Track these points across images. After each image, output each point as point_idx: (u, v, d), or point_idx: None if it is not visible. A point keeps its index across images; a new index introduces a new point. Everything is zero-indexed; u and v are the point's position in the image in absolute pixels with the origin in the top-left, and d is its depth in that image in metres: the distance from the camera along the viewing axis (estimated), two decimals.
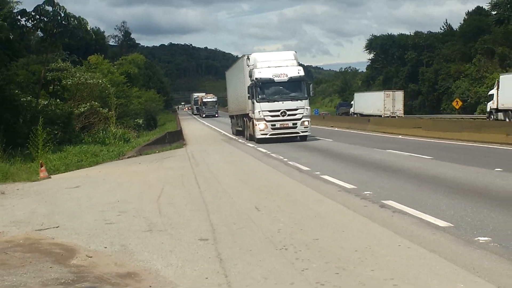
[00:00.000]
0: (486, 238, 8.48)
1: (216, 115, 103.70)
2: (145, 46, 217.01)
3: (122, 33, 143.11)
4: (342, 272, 7.19)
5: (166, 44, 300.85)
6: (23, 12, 35.65)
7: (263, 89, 31.39)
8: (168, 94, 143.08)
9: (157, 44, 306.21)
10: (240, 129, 40.06)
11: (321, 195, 13.44)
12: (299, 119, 31.41)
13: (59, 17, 35.52)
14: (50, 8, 35.18)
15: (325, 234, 9.36)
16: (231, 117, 46.85)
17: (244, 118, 36.42)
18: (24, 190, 16.41)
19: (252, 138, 33.76)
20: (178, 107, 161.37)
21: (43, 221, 11.30)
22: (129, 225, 10.71)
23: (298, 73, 31.79)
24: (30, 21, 36.05)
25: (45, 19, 35.51)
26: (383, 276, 6.99)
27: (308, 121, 31.94)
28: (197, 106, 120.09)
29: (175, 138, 37.13)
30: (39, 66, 39.60)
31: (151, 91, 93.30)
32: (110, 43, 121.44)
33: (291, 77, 31.27)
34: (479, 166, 17.36)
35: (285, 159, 22.13)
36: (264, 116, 31.00)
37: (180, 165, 22.09)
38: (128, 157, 27.84)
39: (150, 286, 6.94)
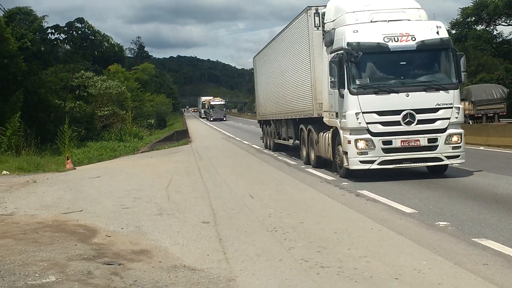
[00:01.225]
0: (445, 223, 8.50)
1: (224, 119, 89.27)
2: (157, 57, 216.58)
3: (137, 46, 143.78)
4: (323, 251, 7.21)
5: (175, 56, 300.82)
6: (56, 27, 35.97)
7: (365, 66, 13.75)
8: (176, 98, 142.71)
9: (167, 56, 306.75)
10: (284, 142, 22.06)
11: (306, 185, 13.48)
12: (442, 131, 13.51)
13: (86, 33, 35.88)
14: (79, 25, 35.55)
15: (309, 218, 9.38)
16: (263, 123, 27.34)
17: (303, 127, 18.19)
18: (53, 179, 16.43)
19: (321, 162, 16.50)
20: (184, 110, 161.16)
21: (69, 206, 11.31)
22: (142, 210, 10.73)
23: (438, 33, 13.71)
24: (62, 34, 36.40)
25: (75, 34, 35.84)
26: (357, 254, 7.01)
27: (460, 134, 13.72)
28: (204, 109, 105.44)
29: (182, 136, 37.18)
30: (66, 74, 39.81)
31: (162, 95, 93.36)
32: (127, 55, 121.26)
33: (423, 41, 13.47)
34: None
35: (275, 155, 22.17)
36: (367, 123, 13.32)
37: (186, 159, 22.12)
38: (142, 152, 27.90)
39: (160, 261, 6.95)
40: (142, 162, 21.65)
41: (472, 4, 76.31)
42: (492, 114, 41.96)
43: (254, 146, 28.13)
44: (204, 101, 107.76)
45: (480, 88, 47.65)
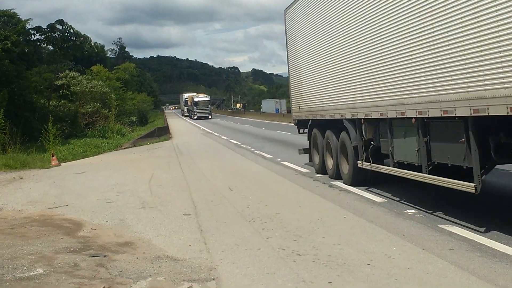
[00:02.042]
0: (413, 211, 8.60)
1: (210, 117, 77.50)
2: (137, 57, 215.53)
3: (118, 47, 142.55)
4: (299, 239, 7.23)
5: (155, 56, 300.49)
6: (38, 28, 35.77)
7: None
8: (156, 96, 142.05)
9: (147, 56, 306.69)
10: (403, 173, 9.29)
11: (281, 177, 13.52)
12: None
13: (67, 34, 35.72)
14: (60, 27, 35.41)
15: (285, 209, 9.41)
16: (315, 126, 14.44)
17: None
18: (39, 175, 16.24)
19: None
20: (164, 107, 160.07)
21: (54, 201, 11.20)
22: (126, 203, 10.66)
23: None
24: (43, 36, 36.21)
25: (56, 35, 35.67)
26: (331, 242, 7.05)
27: None
28: (187, 107, 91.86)
29: (163, 133, 37.00)
30: (50, 74, 39.46)
31: (143, 94, 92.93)
32: (109, 55, 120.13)
33: None
34: None
35: (252, 149, 22.16)
36: None
37: (167, 154, 22.02)
38: (125, 148, 27.72)
39: (144, 253, 6.92)
40: (125, 158, 21.51)
41: None
42: None
43: (232, 141, 28.07)
44: (186, 98, 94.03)
45: None
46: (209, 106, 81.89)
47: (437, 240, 6.86)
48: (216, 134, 36.35)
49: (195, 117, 76.22)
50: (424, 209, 8.67)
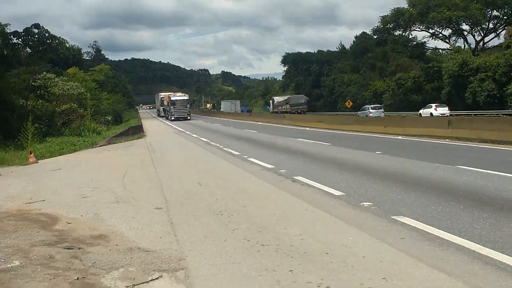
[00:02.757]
0: (369, 203, 8.67)
1: (189, 118, 64.94)
2: (113, 60, 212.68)
3: (94, 50, 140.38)
4: (263, 231, 7.25)
5: (129, 58, 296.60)
6: (15, 33, 35.37)
7: None
8: (131, 97, 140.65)
9: (122, 59, 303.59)
10: None
11: (248, 173, 13.50)
12: None
13: (43, 37, 35.34)
14: (36, 30, 35.10)
15: (251, 203, 9.41)
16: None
17: None
18: (17, 172, 15.92)
19: None
20: (138, 107, 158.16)
21: (32, 196, 10.97)
22: (100, 198, 10.51)
23: None
24: (20, 39, 35.80)
25: (33, 38, 35.27)
26: (293, 233, 7.08)
27: None
28: (163, 107, 79.08)
29: (137, 131, 36.71)
30: (28, 75, 38.83)
31: (118, 94, 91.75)
32: (85, 57, 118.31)
33: None
34: (365, 150, 17.75)
35: (221, 146, 22.10)
36: None
37: (140, 152, 21.78)
38: (100, 146, 27.32)
39: (117, 245, 6.85)
40: (100, 155, 21.22)
41: (390, 13, 78.24)
42: (300, 112, 67.91)
43: (202, 139, 27.94)
44: (162, 97, 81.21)
45: (293, 97, 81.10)
46: (188, 106, 69.09)
47: (390, 230, 6.96)
48: (187, 132, 36.11)
49: (173, 118, 63.95)
50: (378, 202, 8.78)
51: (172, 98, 65.66)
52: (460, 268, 5.41)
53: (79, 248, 6.69)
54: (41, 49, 36.53)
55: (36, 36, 35.35)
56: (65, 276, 5.56)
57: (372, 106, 53.81)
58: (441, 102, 49.53)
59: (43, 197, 10.86)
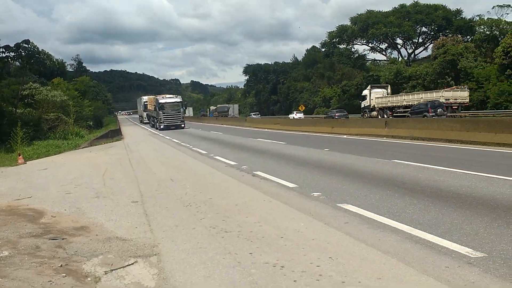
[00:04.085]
0: (318, 193, 8.75)
1: (183, 125, 44.55)
2: (94, 71, 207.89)
3: (76, 62, 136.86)
4: (227, 219, 7.23)
5: (108, 70, 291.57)
6: (7, 47, 34.70)
7: None
8: (110, 104, 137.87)
9: (102, 70, 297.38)
10: None
11: (214, 169, 13.44)
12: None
13: (33, 52, 34.85)
14: (26, 45, 34.58)
15: (216, 195, 9.37)
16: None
17: None
18: (7, 172, 15.42)
19: None
20: (117, 113, 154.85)
21: (20, 193, 10.64)
22: (82, 194, 10.28)
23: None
24: (12, 53, 35.17)
25: (23, 53, 34.68)
26: (253, 220, 7.08)
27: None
28: (147, 112, 57.31)
29: (116, 134, 36.01)
30: (17, 86, 37.78)
31: (98, 102, 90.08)
32: (68, 69, 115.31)
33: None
34: (315, 148, 17.90)
35: (190, 146, 21.96)
36: None
37: (119, 152, 21.43)
38: (82, 148, 26.68)
39: (97, 235, 6.72)
40: (82, 156, 20.77)
41: (336, 29, 79.28)
42: (224, 115, 74.72)
43: (174, 140, 27.69)
44: (146, 101, 59.15)
45: (220, 106, 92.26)
46: (182, 110, 47.53)
47: (336, 216, 7.04)
48: (160, 134, 35.67)
49: (162, 126, 43.38)
50: (326, 192, 8.86)
51: (161, 101, 45.03)
52: (394, 246, 5.52)
53: (63, 239, 6.54)
54: (31, 61, 35.91)
55: (26, 50, 34.70)
56: (50, 264, 5.43)
57: (337, 110, 54.66)
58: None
59: (31, 194, 10.56)
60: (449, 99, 39.46)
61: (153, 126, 48.71)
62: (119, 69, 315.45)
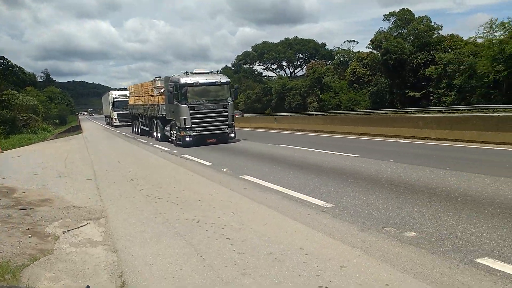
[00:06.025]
0: (226, 168, 8.75)
1: (232, 135, 14.73)
2: (59, 81, 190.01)
3: (45, 74, 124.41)
4: (160, 189, 7.04)
5: (71, 80, 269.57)
6: None
7: None
8: (73, 106, 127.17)
9: (66, 81, 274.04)
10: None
11: (152, 153, 12.96)
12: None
13: (8, 66, 31.50)
14: (1, 61, 31.23)
15: (153, 172, 9.07)
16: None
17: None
18: None
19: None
20: (79, 114, 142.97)
21: None
22: (47, 174, 9.46)
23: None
24: None
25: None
26: (179, 189, 6.97)
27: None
28: (127, 110, 26.38)
29: (76, 129, 33.47)
30: None
31: (63, 105, 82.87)
32: (39, 80, 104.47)
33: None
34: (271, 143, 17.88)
35: (134, 137, 20.98)
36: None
37: (79, 142, 19.93)
38: (50, 140, 24.49)
39: (58, 205, 6.23)
40: (49, 146, 19.05)
41: (241, 54, 79.51)
42: None
43: (122, 133, 26.20)
44: (116, 97, 33.28)
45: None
46: (230, 101, 14.83)
47: (238, 184, 7.14)
48: (112, 129, 33.69)
49: (189, 139, 14.04)
50: (232, 167, 8.93)
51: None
52: (276, 203, 5.71)
53: (30, 209, 5.99)
54: (6, 73, 32.26)
55: (2, 65, 31.26)
56: (19, 228, 4.96)
57: (237, 111, 54.24)
58: (272, 108, 52.07)
59: (5, 175, 9.51)
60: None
61: (157, 138, 17.78)
62: (79, 80, 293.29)
